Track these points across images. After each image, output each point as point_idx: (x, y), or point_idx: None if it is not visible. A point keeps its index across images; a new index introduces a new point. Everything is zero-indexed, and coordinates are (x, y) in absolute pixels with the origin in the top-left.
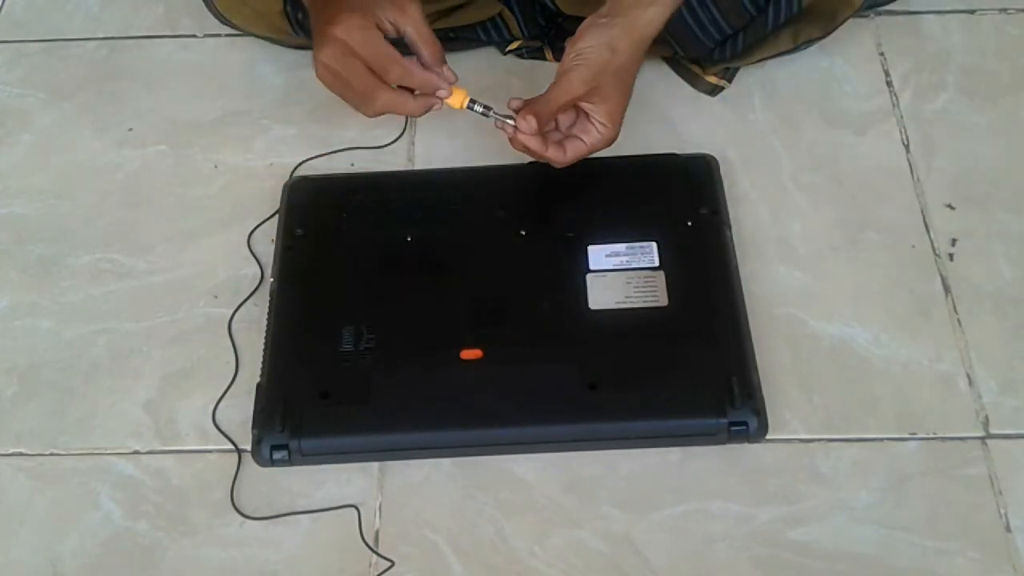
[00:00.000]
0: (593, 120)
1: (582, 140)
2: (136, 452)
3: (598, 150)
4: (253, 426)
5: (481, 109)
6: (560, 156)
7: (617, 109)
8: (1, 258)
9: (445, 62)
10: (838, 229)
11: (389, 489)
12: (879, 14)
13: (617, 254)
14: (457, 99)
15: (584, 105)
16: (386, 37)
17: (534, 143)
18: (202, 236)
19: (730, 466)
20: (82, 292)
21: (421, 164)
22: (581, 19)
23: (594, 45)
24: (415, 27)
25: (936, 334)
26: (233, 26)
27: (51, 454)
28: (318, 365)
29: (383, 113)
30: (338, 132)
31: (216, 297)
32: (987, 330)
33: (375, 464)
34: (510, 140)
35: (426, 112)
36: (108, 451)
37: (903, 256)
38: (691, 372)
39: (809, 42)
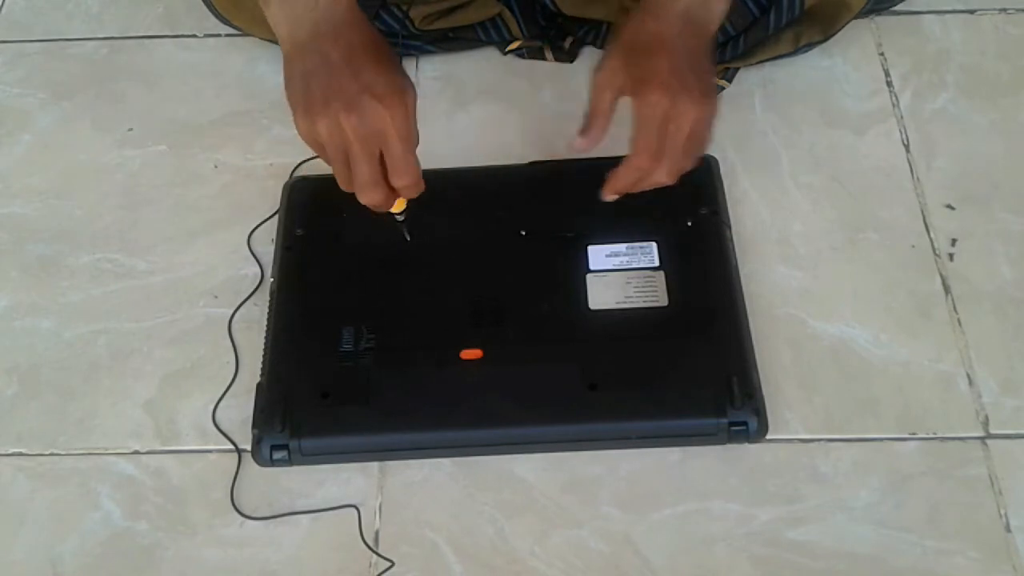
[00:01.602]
0: (645, 105)
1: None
2: (136, 452)
3: (688, 133)
4: (253, 426)
5: (403, 217)
6: (654, 165)
7: (666, 77)
8: (1, 258)
9: None
10: (838, 229)
11: (389, 489)
12: (879, 14)
13: (617, 254)
14: (400, 205)
15: (632, 96)
16: None
17: (627, 178)
18: (202, 236)
19: (730, 466)
20: (82, 292)
21: (421, 164)
22: (581, 19)
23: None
24: (409, 119)
25: (936, 334)
26: (234, 27)
27: (51, 454)
28: (318, 365)
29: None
30: None
31: (216, 297)
32: (987, 330)
33: (375, 464)
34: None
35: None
36: (108, 451)
37: (903, 256)
38: (691, 372)
39: (810, 45)
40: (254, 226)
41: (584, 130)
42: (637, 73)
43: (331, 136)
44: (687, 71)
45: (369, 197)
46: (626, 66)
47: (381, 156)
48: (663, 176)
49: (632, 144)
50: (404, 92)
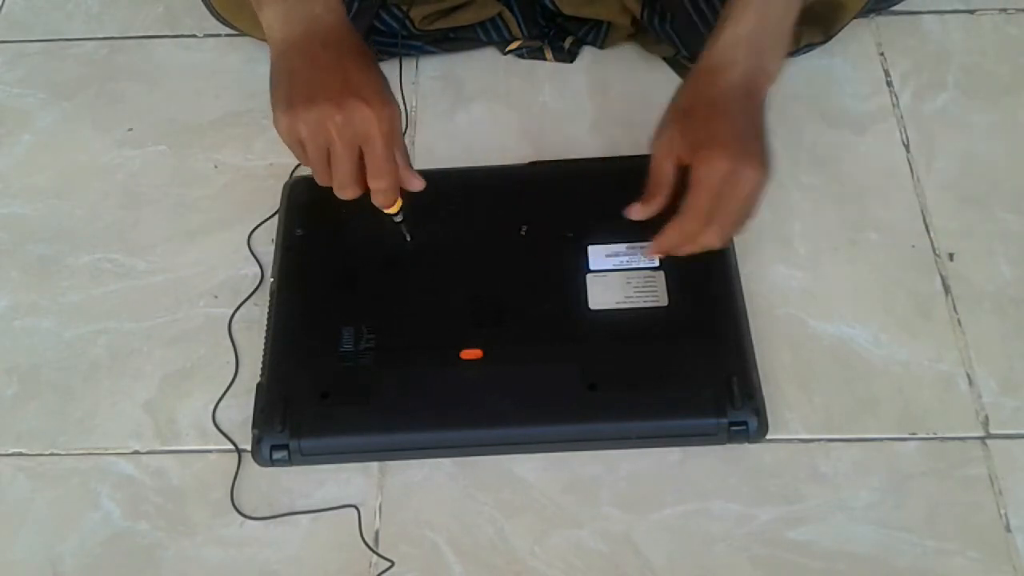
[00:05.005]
0: (704, 168)
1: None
2: (136, 452)
3: (743, 198)
4: (253, 426)
5: (400, 219)
6: (703, 228)
7: (727, 141)
8: (1, 258)
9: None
10: (838, 229)
11: (389, 489)
12: (879, 14)
13: (617, 254)
14: (396, 206)
15: (691, 161)
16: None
17: (673, 239)
18: (202, 236)
19: (730, 466)
20: (82, 292)
21: (421, 164)
22: (581, 19)
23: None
24: (395, 124)
25: (936, 334)
26: (234, 28)
27: (51, 454)
28: (318, 365)
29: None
30: None
31: (216, 297)
32: (987, 330)
33: (375, 464)
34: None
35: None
36: (108, 451)
37: (903, 256)
38: (691, 372)
39: (810, 46)
40: (254, 226)
41: (643, 199)
42: (696, 138)
43: (313, 133)
44: (748, 136)
45: (347, 195)
46: (684, 132)
47: (360, 156)
48: (712, 239)
49: (683, 206)
50: (390, 102)
